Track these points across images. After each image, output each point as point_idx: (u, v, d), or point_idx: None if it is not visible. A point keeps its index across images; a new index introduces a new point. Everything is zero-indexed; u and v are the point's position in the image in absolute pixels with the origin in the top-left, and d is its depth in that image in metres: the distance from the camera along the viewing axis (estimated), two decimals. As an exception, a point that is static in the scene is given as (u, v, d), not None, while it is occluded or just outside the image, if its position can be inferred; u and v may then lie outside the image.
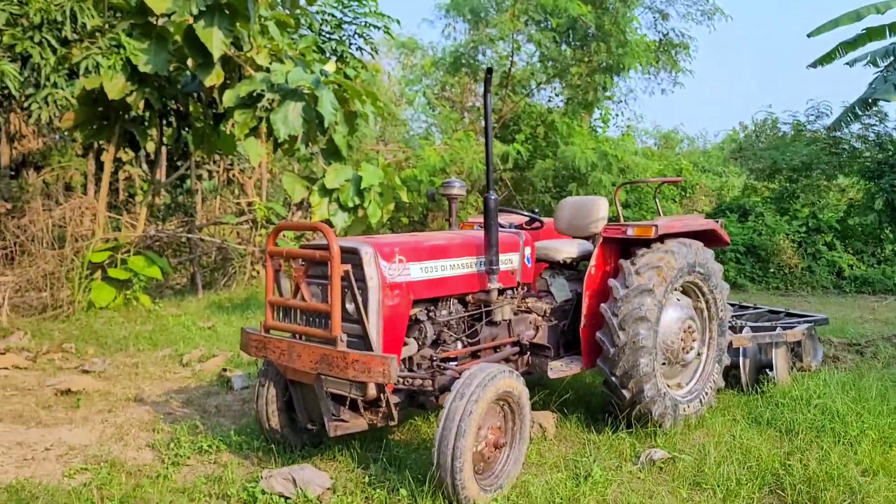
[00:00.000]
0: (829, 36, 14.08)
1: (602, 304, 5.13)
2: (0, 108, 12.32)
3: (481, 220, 4.86)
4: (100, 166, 11.79)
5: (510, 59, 18.06)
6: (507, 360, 5.07)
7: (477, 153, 15.43)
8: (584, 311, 5.25)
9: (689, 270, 5.37)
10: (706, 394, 5.57)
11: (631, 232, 5.27)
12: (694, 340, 5.48)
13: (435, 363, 4.46)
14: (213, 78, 9.29)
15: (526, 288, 5.46)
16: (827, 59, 14.72)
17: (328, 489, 4.10)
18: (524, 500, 4.02)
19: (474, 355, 4.91)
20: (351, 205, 8.85)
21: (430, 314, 4.63)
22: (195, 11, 8.60)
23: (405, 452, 4.72)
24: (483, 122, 4.88)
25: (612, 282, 5.14)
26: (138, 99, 9.99)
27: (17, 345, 7.92)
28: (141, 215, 11.87)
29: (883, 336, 8.66)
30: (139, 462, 4.66)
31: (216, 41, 8.74)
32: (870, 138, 15.80)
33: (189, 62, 9.78)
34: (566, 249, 5.64)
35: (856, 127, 15.53)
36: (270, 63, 9.49)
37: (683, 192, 20.40)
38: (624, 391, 5.02)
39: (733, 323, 6.61)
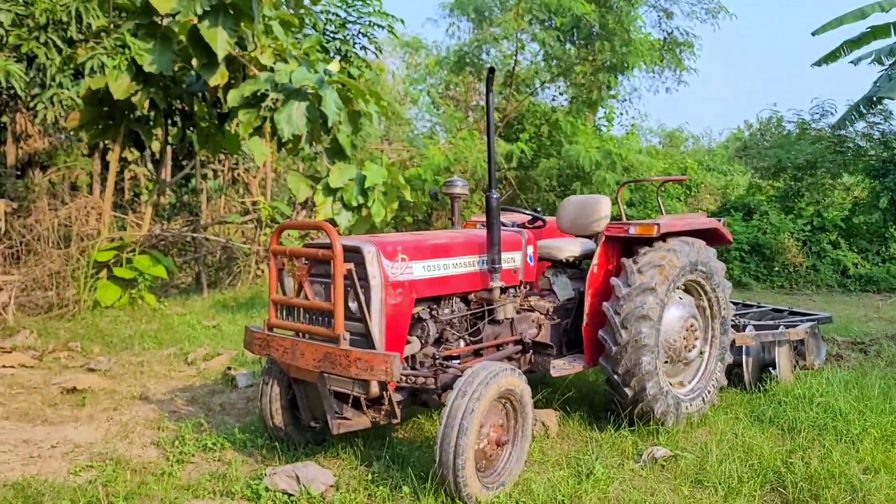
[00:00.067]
0: (833, 34, 14.05)
1: (604, 303, 5.14)
2: (6, 109, 12.39)
3: (484, 218, 4.88)
4: (105, 166, 11.85)
5: (514, 58, 18.05)
6: (509, 359, 5.09)
7: (481, 152, 15.42)
8: (586, 309, 5.27)
9: (692, 269, 5.38)
10: (709, 392, 5.59)
11: (633, 230, 5.28)
12: (696, 339, 5.50)
13: (437, 361, 4.48)
14: (218, 78, 9.33)
15: (528, 286, 5.48)
16: (832, 57, 14.68)
17: (331, 486, 4.12)
18: (526, 497, 4.04)
19: (477, 353, 4.94)
20: (355, 204, 8.87)
21: (433, 312, 4.65)
22: (200, 11, 8.64)
23: (408, 450, 4.74)
24: (486, 121, 4.88)
25: (614, 280, 5.15)
26: (143, 99, 10.03)
27: (24, 343, 7.97)
28: (146, 215, 11.91)
29: (887, 335, 8.65)
30: (144, 459, 4.69)
31: (220, 41, 8.78)
32: (875, 136, 15.76)
33: (194, 62, 9.82)
34: (569, 248, 5.66)
35: (861, 125, 15.49)
36: (274, 63, 9.53)
37: (688, 191, 20.37)
38: (626, 389, 5.03)
39: (736, 321, 6.63)
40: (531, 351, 5.23)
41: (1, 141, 13.21)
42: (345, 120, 9.32)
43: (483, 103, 19.39)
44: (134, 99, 9.94)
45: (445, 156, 15.50)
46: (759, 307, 7.73)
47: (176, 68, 9.97)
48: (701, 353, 5.64)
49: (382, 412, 4.34)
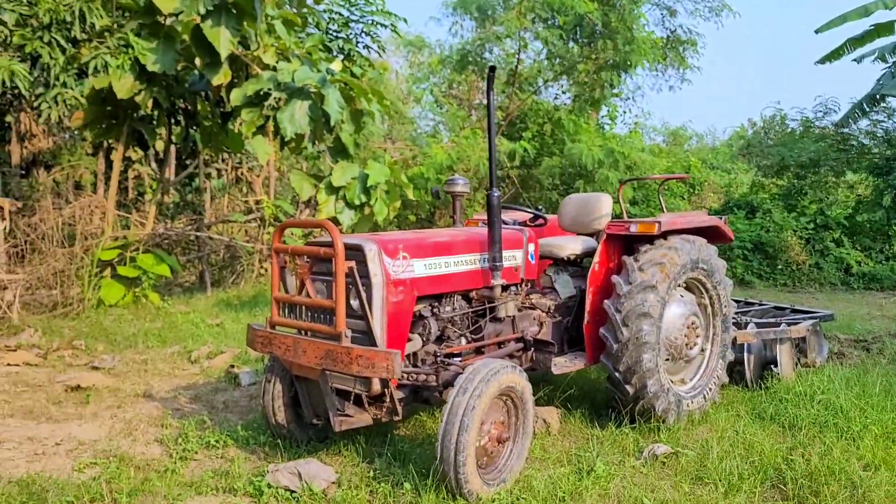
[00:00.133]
0: (836, 32, 14.02)
1: (605, 301, 5.16)
2: (10, 108, 12.44)
3: (486, 217, 4.90)
4: (109, 165, 11.89)
5: (517, 56, 18.07)
6: (511, 356, 5.10)
7: (483, 151, 15.44)
8: (587, 307, 5.28)
9: (693, 267, 5.39)
10: (710, 389, 5.60)
11: (634, 228, 5.30)
12: (697, 336, 5.50)
13: (439, 359, 4.50)
14: (221, 77, 9.36)
15: (530, 284, 5.49)
16: (835, 55, 14.64)
17: (333, 483, 4.15)
18: (527, 494, 4.05)
19: (478, 351, 4.96)
20: (357, 202, 8.90)
21: (434, 310, 4.67)
22: (203, 11, 8.67)
23: (409, 447, 4.76)
24: (487, 120, 4.94)
25: (615, 278, 5.16)
26: (147, 98, 10.07)
27: (28, 342, 8.01)
28: (150, 213, 11.95)
29: (890, 332, 8.65)
30: (148, 456, 4.72)
31: (223, 40, 8.81)
32: (878, 134, 15.74)
33: (197, 61, 9.85)
34: (570, 246, 5.67)
35: (864, 123, 15.46)
36: (277, 62, 9.55)
37: (692, 189, 20.37)
38: (627, 387, 5.05)
39: (738, 319, 6.63)
40: (532, 349, 5.24)
41: (5, 140, 13.27)
42: (347, 119, 9.34)
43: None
44: (137, 98, 9.97)
45: (448, 154, 15.53)
46: (760, 305, 7.73)
47: (179, 67, 10.00)
48: (702, 350, 5.65)
49: (384, 409, 4.36)
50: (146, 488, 4.17)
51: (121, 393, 6.27)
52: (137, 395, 6.20)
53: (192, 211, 14.30)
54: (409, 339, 4.50)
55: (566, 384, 5.99)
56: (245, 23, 9.18)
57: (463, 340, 4.84)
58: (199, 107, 11.26)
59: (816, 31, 14.12)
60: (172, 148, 12.90)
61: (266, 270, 13.17)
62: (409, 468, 4.24)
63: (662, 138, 30.21)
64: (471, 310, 4.91)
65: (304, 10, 11.92)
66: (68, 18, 10.12)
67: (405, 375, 4.35)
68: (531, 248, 5.33)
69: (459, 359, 4.70)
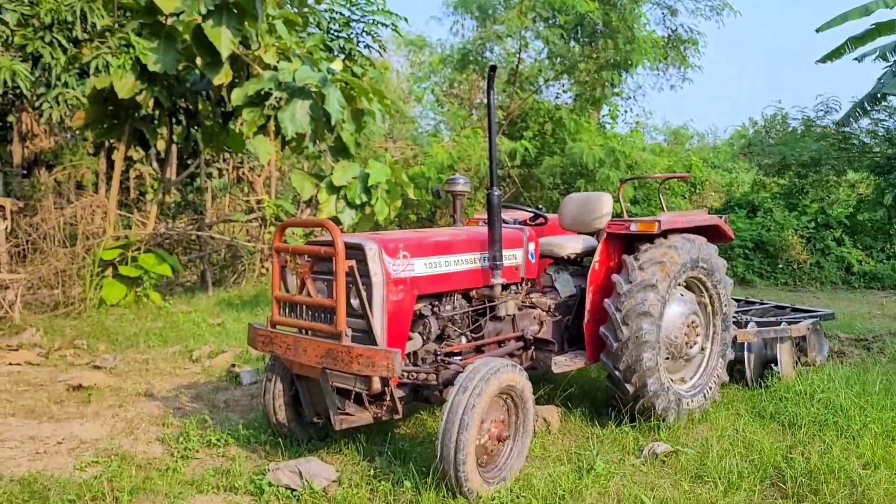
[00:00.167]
0: (837, 31, 14.03)
1: (605, 300, 5.17)
2: (12, 108, 12.46)
3: (486, 216, 4.90)
4: (111, 165, 11.92)
5: (518, 55, 18.07)
6: (511, 355, 5.10)
7: (484, 150, 15.45)
8: (587, 306, 5.29)
9: (693, 266, 5.40)
10: (710, 388, 5.61)
11: (634, 227, 5.30)
12: (697, 335, 5.51)
13: (439, 358, 4.51)
14: (222, 76, 9.38)
15: (530, 283, 5.50)
16: (836, 54, 14.64)
17: (334, 481, 4.16)
18: (527, 492, 4.06)
19: (478, 350, 4.97)
20: (358, 202, 8.91)
21: (435, 309, 4.68)
22: (204, 11, 8.68)
23: (410, 446, 4.78)
24: (487, 119, 4.97)
25: (615, 277, 5.17)
26: (148, 98, 10.08)
27: (30, 341, 8.03)
28: (151, 213, 11.97)
29: (890, 331, 8.66)
30: (149, 455, 4.74)
31: (224, 40, 8.82)
32: (879, 133, 15.74)
33: (198, 61, 9.87)
34: (570, 245, 5.68)
35: (865, 122, 15.47)
36: (278, 61, 9.57)
37: (693, 189, 20.39)
38: (627, 385, 5.06)
39: (738, 318, 6.64)
40: (533, 347, 5.25)
41: (7, 140, 13.29)
42: (348, 118, 9.36)
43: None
44: (139, 98, 9.99)
45: (449, 154, 15.54)
46: (761, 304, 7.75)
47: (180, 67, 10.02)
48: (702, 349, 5.66)
49: (384, 408, 4.37)
50: (147, 487, 4.18)
51: (122, 392, 6.28)
52: (139, 395, 6.21)
53: (193, 210, 14.32)
54: (410, 338, 4.51)
55: (566, 383, 6.00)
56: (246, 22, 9.19)
57: (463, 339, 4.85)
58: (200, 106, 11.28)
59: (817, 30, 14.12)
60: (174, 148, 12.92)
61: (267, 270, 13.19)
62: (409, 466, 4.25)
63: (664, 137, 30.23)
64: (471, 309, 4.92)
65: (305, 9, 11.95)
66: (69, 18, 10.14)
67: (405, 374, 4.36)
68: (531, 247, 5.34)
69: (460, 357, 4.72)
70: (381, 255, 4.26)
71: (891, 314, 10.52)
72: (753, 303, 7.82)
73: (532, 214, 5.88)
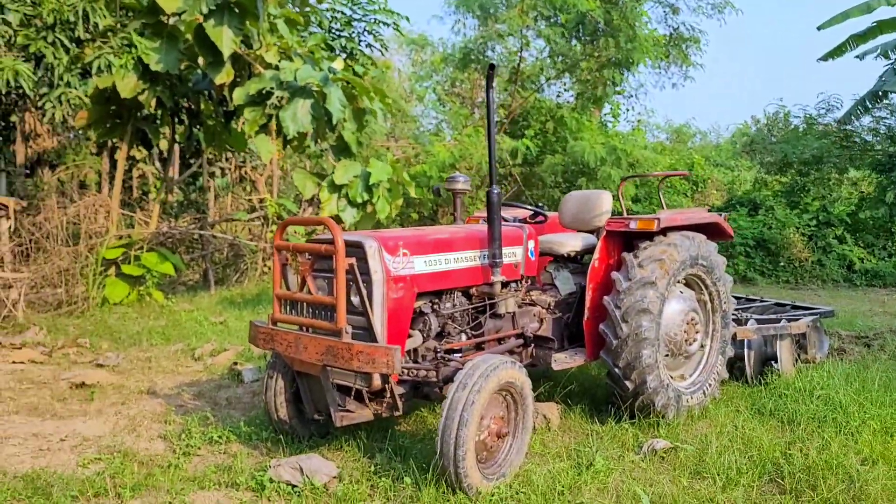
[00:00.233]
0: (839, 29, 14.01)
1: (605, 297, 5.19)
2: (15, 108, 12.50)
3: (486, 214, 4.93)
4: (114, 164, 11.95)
5: (519, 54, 18.09)
6: (511, 353, 5.13)
7: (486, 149, 15.47)
8: (587, 303, 5.31)
9: (692, 263, 5.42)
10: (710, 385, 5.62)
11: (634, 225, 5.32)
12: (697, 332, 5.53)
13: (439, 355, 4.54)
14: (224, 76, 9.41)
15: (530, 281, 5.53)
16: (837, 51, 14.64)
17: (334, 478, 4.19)
18: (527, 488, 4.09)
19: (478, 347, 4.99)
20: (360, 200, 8.94)
21: (435, 307, 4.71)
22: (205, 10, 8.71)
23: (410, 442, 4.81)
24: (486, 118, 4.99)
25: (615, 274, 5.19)
26: (150, 97, 10.12)
27: (33, 340, 8.08)
28: (154, 212, 12.02)
29: (891, 329, 8.67)
30: (151, 452, 4.77)
31: (226, 40, 8.85)
32: (881, 131, 15.73)
33: (200, 60, 9.91)
34: (570, 243, 5.70)
35: (867, 120, 15.47)
36: (280, 61, 9.60)
37: (695, 187, 20.39)
38: (627, 382, 5.08)
39: (738, 315, 6.66)
40: (533, 345, 5.27)
41: (10, 140, 13.33)
42: (349, 117, 9.38)
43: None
44: (141, 98, 10.03)
45: (451, 153, 15.56)
46: (761, 301, 7.77)
47: (182, 67, 10.05)
48: (702, 346, 5.68)
49: (385, 405, 4.39)
50: (150, 483, 4.21)
51: (125, 390, 6.32)
52: (141, 392, 6.25)
53: (195, 210, 14.35)
54: (410, 336, 4.54)
55: (566, 380, 6.03)
56: (247, 22, 9.22)
57: (463, 336, 4.87)
58: (202, 106, 11.31)
59: (819, 28, 14.13)
60: (176, 147, 12.95)
61: (269, 269, 13.22)
62: (409, 463, 4.28)
63: (666, 136, 30.22)
64: (471, 306, 4.95)
65: (307, 9, 11.98)
66: (72, 18, 10.17)
67: (405, 371, 4.39)
68: (531, 244, 5.37)
69: (460, 355, 4.73)
70: (381, 253, 4.29)
71: (892, 312, 10.52)
72: (754, 300, 7.84)
73: (532, 212, 5.90)
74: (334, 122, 9.00)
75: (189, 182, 14.92)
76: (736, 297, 7.53)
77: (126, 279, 10.44)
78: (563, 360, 5.22)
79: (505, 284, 5.11)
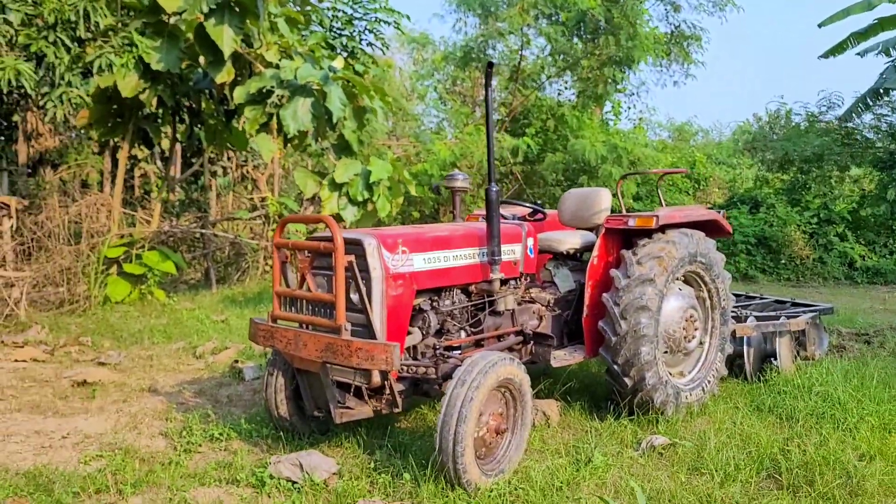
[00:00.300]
0: (840, 26, 14.03)
1: (604, 294, 5.21)
2: (17, 107, 12.53)
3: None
4: (115, 164, 11.99)
5: (520, 52, 18.10)
6: (510, 350, 5.15)
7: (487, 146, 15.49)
8: (586, 300, 5.33)
9: (691, 260, 5.43)
10: (709, 382, 5.64)
11: (632, 222, 5.34)
12: (696, 329, 5.55)
13: (438, 352, 4.56)
14: (224, 75, 9.42)
15: (529, 278, 5.54)
16: (839, 49, 14.66)
17: (334, 474, 4.21)
18: (525, 484, 4.11)
19: (478, 344, 5.01)
20: (360, 199, 8.95)
21: (434, 304, 4.73)
22: (206, 9, 8.72)
23: (410, 439, 4.83)
24: (485, 116, 5.02)
25: (613, 272, 5.21)
26: (151, 96, 10.14)
27: (35, 338, 8.11)
28: (155, 211, 12.04)
29: (891, 326, 8.68)
30: (152, 449, 4.80)
31: (226, 39, 8.87)
32: (882, 129, 15.73)
33: (200, 59, 9.92)
34: (569, 240, 5.72)
35: (868, 117, 15.48)
36: (280, 59, 9.61)
37: (697, 185, 20.41)
38: (626, 379, 5.10)
39: (738, 312, 6.67)
40: (532, 342, 5.29)
41: (12, 139, 13.37)
42: (350, 116, 9.39)
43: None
44: (142, 97, 10.05)
45: (452, 151, 15.58)
46: (761, 299, 7.78)
47: (183, 66, 10.06)
48: (701, 343, 5.70)
49: (384, 401, 4.42)
50: (150, 480, 4.24)
51: (126, 388, 6.35)
52: (143, 390, 6.28)
53: (197, 208, 14.38)
54: (409, 333, 4.56)
55: (566, 377, 6.04)
56: (248, 21, 9.23)
57: (462, 334, 4.89)
58: (203, 105, 11.33)
59: (820, 25, 14.15)
60: (178, 146, 12.98)
61: (271, 267, 13.22)
62: (408, 459, 4.30)
63: (668, 134, 30.22)
64: (470, 303, 4.97)
65: (308, 7, 11.99)
66: (73, 18, 10.20)
67: (405, 368, 4.41)
68: (530, 242, 5.38)
69: (459, 352, 4.75)
70: (380, 251, 4.31)
71: (893, 309, 10.53)
72: (753, 297, 7.85)
73: (531, 210, 5.92)
74: (335, 120, 9.01)
75: (191, 181, 14.97)
76: (736, 295, 7.55)
77: (128, 278, 10.47)
78: (563, 357, 5.24)
79: (504, 282, 5.13)
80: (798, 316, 6.72)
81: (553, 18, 17.22)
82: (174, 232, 12.60)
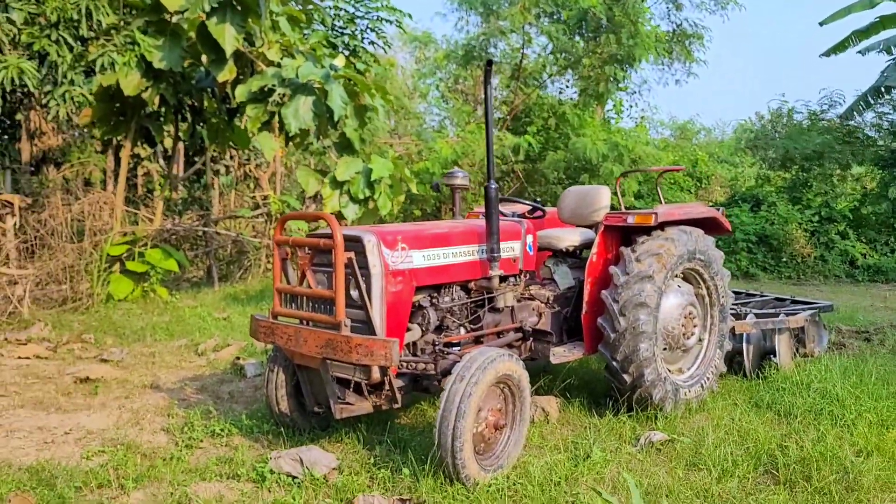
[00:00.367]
0: (841, 24, 14.02)
1: (603, 291, 5.23)
2: (20, 106, 12.57)
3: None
4: (118, 162, 12.02)
5: (521, 51, 18.12)
6: (510, 346, 5.18)
7: (489, 145, 15.51)
8: (585, 297, 5.35)
9: (690, 257, 5.46)
10: (707, 379, 5.66)
11: (631, 220, 5.36)
12: (695, 326, 5.57)
13: (438, 348, 4.59)
14: (226, 73, 9.46)
15: (529, 275, 5.57)
16: (840, 47, 14.66)
17: (334, 469, 4.24)
18: (524, 479, 4.13)
19: (477, 341, 5.03)
20: (361, 197, 8.98)
21: (433, 300, 4.76)
22: (208, 8, 8.76)
23: (409, 435, 4.86)
24: (484, 113, 5.05)
25: (612, 269, 5.24)
26: (154, 95, 10.18)
27: (39, 335, 8.15)
28: (158, 209, 12.09)
29: (892, 324, 8.68)
30: (154, 445, 4.83)
31: (228, 37, 8.90)
32: (884, 127, 15.73)
33: (203, 58, 9.95)
34: (569, 238, 5.74)
35: (869, 115, 15.48)
36: (282, 58, 9.64)
37: (699, 183, 20.41)
38: (625, 375, 5.12)
39: (737, 310, 6.69)
40: (531, 338, 5.32)
41: (16, 138, 13.41)
42: (351, 114, 9.42)
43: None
44: (144, 95, 10.08)
45: (453, 149, 15.61)
46: (761, 296, 7.79)
47: (185, 64, 10.10)
48: (700, 340, 5.72)
49: (384, 397, 4.44)
50: (152, 475, 4.27)
51: (129, 384, 6.39)
52: (145, 387, 6.31)
53: (199, 207, 14.42)
54: (409, 329, 4.59)
55: (565, 374, 6.07)
56: (250, 20, 9.26)
57: (462, 330, 4.92)
58: (205, 103, 11.37)
59: (821, 23, 14.15)
60: (181, 145, 13.01)
61: (272, 264, 13.27)
62: (408, 454, 4.33)
63: (670, 132, 30.22)
64: (470, 300, 4.99)
65: (310, 6, 12.01)
66: (75, 16, 10.23)
67: (404, 364, 4.44)
68: (529, 239, 5.41)
69: (458, 348, 4.78)
70: (380, 247, 4.34)
71: (893, 307, 10.53)
72: (754, 295, 7.87)
73: (531, 207, 5.95)
74: (336, 118, 9.04)
75: (193, 179, 15.00)
76: (736, 293, 7.56)
77: (130, 276, 10.52)
78: (562, 354, 5.27)
79: (503, 279, 5.16)
80: (797, 313, 6.74)
81: (554, 17, 17.24)
82: (177, 230, 12.64)
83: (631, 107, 21.14)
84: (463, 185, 5.75)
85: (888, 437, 4.62)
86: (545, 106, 17.99)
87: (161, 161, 14.96)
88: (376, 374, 4.19)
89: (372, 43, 15.53)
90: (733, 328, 6.05)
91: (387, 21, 15.55)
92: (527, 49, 18.30)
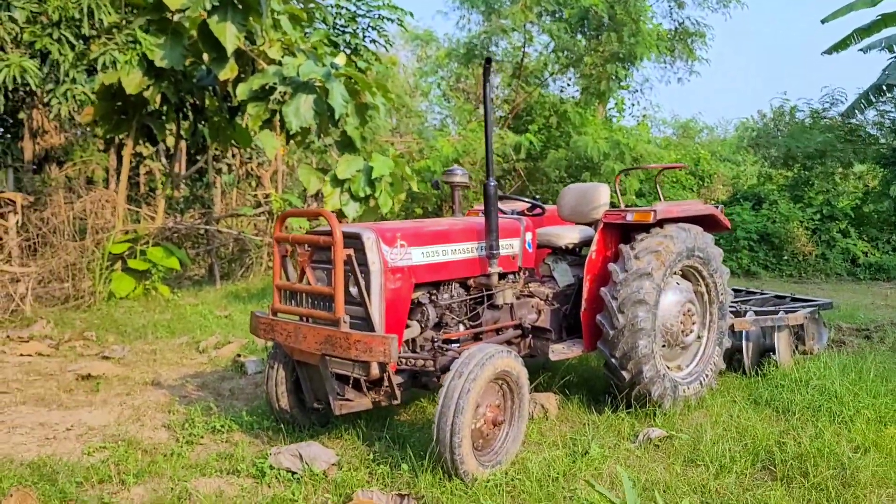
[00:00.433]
0: (843, 22, 13.99)
1: (602, 288, 5.25)
2: (23, 105, 12.62)
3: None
4: (120, 160, 12.06)
5: (523, 49, 18.12)
6: (509, 343, 5.20)
7: (490, 143, 15.51)
8: (584, 294, 5.36)
9: (689, 255, 5.47)
10: (706, 376, 5.68)
11: (630, 217, 5.37)
12: (694, 323, 5.58)
13: (437, 345, 4.61)
14: (228, 72, 9.47)
15: (528, 273, 5.59)
16: (842, 45, 14.61)
17: (333, 464, 4.26)
18: (522, 475, 4.15)
19: (476, 337, 5.05)
20: (362, 195, 9.00)
21: (433, 297, 4.78)
22: (209, 7, 8.78)
23: (409, 431, 4.88)
24: (483, 111, 5.06)
25: (611, 266, 5.25)
26: (155, 93, 10.20)
27: (41, 333, 8.19)
28: (160, 207, 12.12)
29: (892, 321, 8.68)
30: (155, 441, 4.86)
31: (230, 36, 8.92)
32: (885, 125, 15.71)
33: (204, 56, 9.96)
34: (568, 235, 5.75)
35: (871, 113, 15.46)
36: (283, 56, 9.66)
37: (701, 182, 20.40)
38: (623, 372, 5.14)
39: (737, 307, 6.70)
40: (531, 335, 5.34)
41: (18, 136, 13.47)
42: (352, 112, 9.44)
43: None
44: (146, 94, 10.11)
45: (455, 148, 15.61)
46: (762, 294, 7.80)
47: (187, 63, 10.12)
48: (699, 337, 5.73)
49: (383, 393, 4.46)
50: (153, 470, 4.30)
51: (130, 381, 6.41)
52: (146, 384, 6.34)
53: (201, 205, 14.46)
54: (408, 326, 4.61)
55: (564, 371, 6.09)
56: (251, 18, 9.28)
57: (461, 327, 4.94)
58: (206, 102, 11.39)
59: (823, 21, 14.11)
60: (182, 143, 13.04)
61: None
62: (407, 450, 4.34)
63: (672, 131, 30.21)
64: (469, 297, 5.01)
65: (311, 5, 12.02)
66: (77, 15, 10.27)
67: (403, 360, 4.46)
68: (528, 236, 5.42)
69: (457, 345, 4.80)
70: (379, 244, 4.36)
71: (894, 305, 10.53)
72: (754, 293, 7.87)
73: (530, 205, 5.96)
74: (337, 117, 9.06)
75: (195, 178, 15.04)
76: (736, 290, 7.57)
77: (132, 274, 10.55)
78: (561, 351, 5.28)
79: (502, 276, 5.17)
80: (797, 311, 6.75)
81: (556, 15, 17.23)
82: (178, 228, 12.67)
83: (633, 105, 21.11)
84: (462, 183, 5.76)
85: (886, 434, 4.63)
86: (546, 104, 17.99)
87: (163, 159, 14.99)
88: (375, 371, 4.20)
89: (373, 41, 15.56)
90: (732, 325, 6.06)
91: (388, 19, 15.57)
92: (528, 47, 18.30)
